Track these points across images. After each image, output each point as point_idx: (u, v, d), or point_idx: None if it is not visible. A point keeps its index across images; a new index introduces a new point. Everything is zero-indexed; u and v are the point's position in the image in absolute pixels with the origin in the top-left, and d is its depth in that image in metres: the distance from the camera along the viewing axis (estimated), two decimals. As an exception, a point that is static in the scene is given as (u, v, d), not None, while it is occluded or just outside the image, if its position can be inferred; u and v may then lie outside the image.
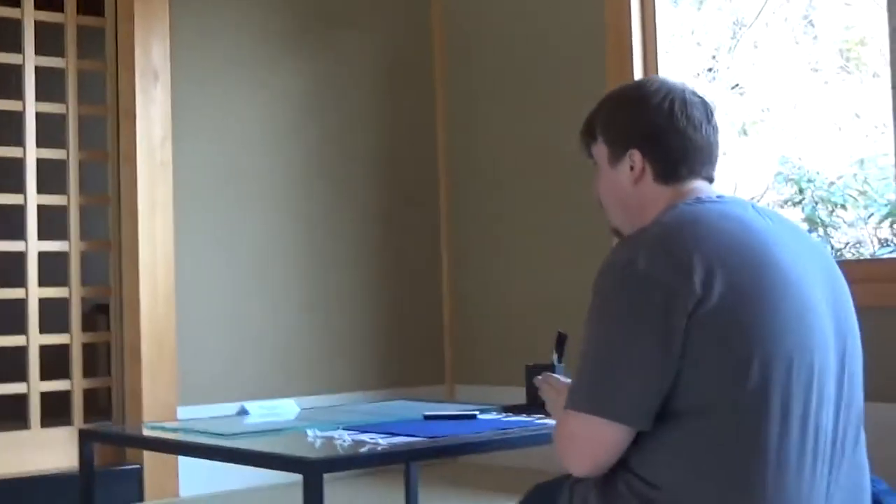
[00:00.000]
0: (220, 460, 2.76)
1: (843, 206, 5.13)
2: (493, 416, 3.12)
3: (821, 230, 5.08)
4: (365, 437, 2.77)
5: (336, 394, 5.05)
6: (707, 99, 2.19)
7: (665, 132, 2.13)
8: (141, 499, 4.57)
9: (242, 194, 4.93)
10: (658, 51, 4.73)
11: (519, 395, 4.87)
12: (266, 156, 5.00)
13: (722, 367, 1.94)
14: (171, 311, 4.67)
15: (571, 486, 2.11)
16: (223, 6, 4.94)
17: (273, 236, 5.00)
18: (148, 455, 4.55)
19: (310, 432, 2.87)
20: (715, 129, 2.17)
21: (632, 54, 4.70)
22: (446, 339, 5.40)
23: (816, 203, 5.11)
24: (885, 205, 4.84)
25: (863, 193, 5.08)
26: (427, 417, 3.08)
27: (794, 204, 5.15)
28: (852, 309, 2.12)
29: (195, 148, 4.82)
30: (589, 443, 2.01)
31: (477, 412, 3.10)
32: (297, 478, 2.38)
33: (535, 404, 3.23)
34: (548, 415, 3.08)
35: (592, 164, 2.25)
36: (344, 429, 2.93)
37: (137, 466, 4.58)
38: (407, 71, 5.46)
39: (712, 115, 2.17)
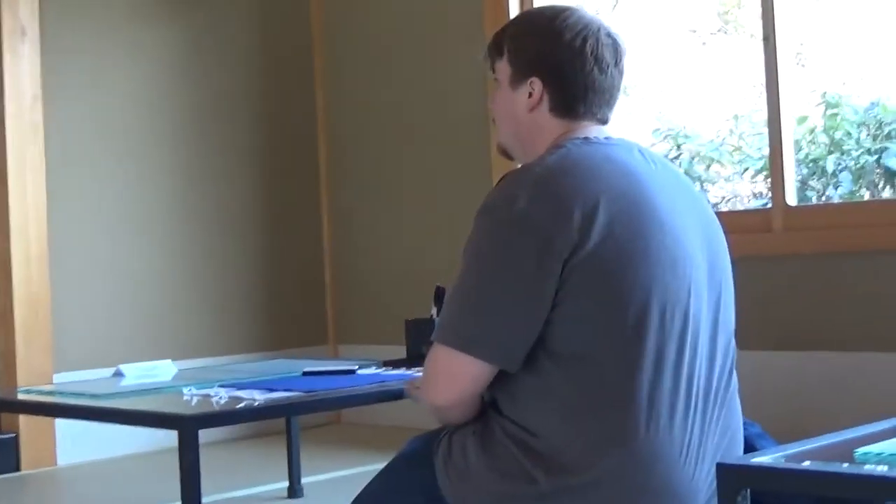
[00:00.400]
0: (93, 420, 2.72)
1: (720, 162, 5.21)
2: (372, 370, 3.11)
3: (697, 185, 5.15)
4: (242, 393, 2.75)
5: (216, 356, 4.97)
6: (620, 40, 2.16)
7: (570, 69, 2.10)
8: (17, 468, 4.47)
9: (116, 153, 4.82)
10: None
11: (403, 353, 4.89)
12: (140, 113, 4.90)
13: (595, 315, 1.95)
14: (44, 275, 4.56)
15: (449, 435, 2.11)
16: (94, -38, 4.82)
17: (148, 197, 4.90)
18: (24, 423, 4.45)
19: (186, 391, 2.84)
20: (621, 72, 2.15)
21: (508, 13, 4.68)
22: (328, 299, 5.36)
23: (693, 158, 5.18)
24: (759, 159, 4.92)
25: (738, 149, 5.16)
26: (306, 373, 3.07)
27: (672, 160, 5.20)
28: (727, 259, 2.13)
29: (67, 107, 4.70)
30: (450, 376, 2.01)
31: (356, 367, 3.09)
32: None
33: (415, 358, 3.24)
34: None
35: (494, 78, 2.22)
36: (221, 386, 2.91)
37: (13, 435, 4.48)
38: (284, 24, 5.38)
39: (622, 58, 2.15)
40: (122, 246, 4.82)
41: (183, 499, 2.36)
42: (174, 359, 4.81)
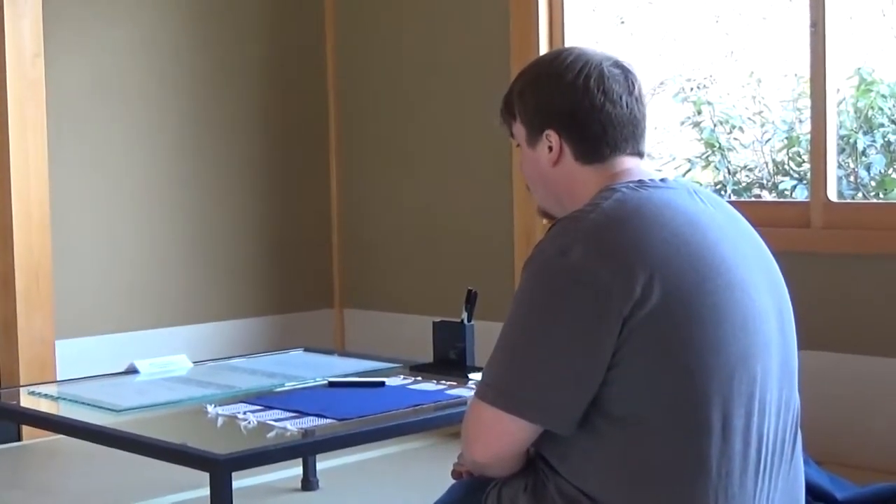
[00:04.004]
0: (115, 447, 2.58)
1: (741, 129, 5.05)
2: (400, 380, 3.00)
3: (719, 156, 5.01)
4: (269, 417, 2.62)
5: (219, 321, 4.86)
6: (631, 68, 2.02)
7: (580, 110, 1.96)
8: (18, 439, 4.35)
9: (119, 114, 4.63)
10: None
11: (408, 323, 4.79)
12: (143, 72, 4.70)
13: (659, 378, 1.81)
14: (46, 240, 4.40)
15: (499, 489, 2.00)
16: None
17: (151, 157, 4.72)
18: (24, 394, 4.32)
19: (210, 408, 2.72)
20: (638, 100, 2.00)
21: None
22: (335, 263, 5.21)
23: (715, 126, 5.03)
24: (785, 131, 4.78)
25: (759, 114, 5.01)
26: (332, 384, 2.96)
27: (694, 125, 5.06)
28: (789, 301, 2.01)
29: (69, 65, 4.50)
30: (494, 436, 1.89)
31: (384, 380, 2.96)
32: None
33: (442, 364, 3.13)
34: (457, 377, 2.99)
35: (515, 144, 2.09)
36: (244, 401, 2.79)
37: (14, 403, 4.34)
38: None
39: (635, 85, 2.00)
40: (125, 210, 4.66)
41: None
42: (175, 323, 4.74)
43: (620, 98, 1.97)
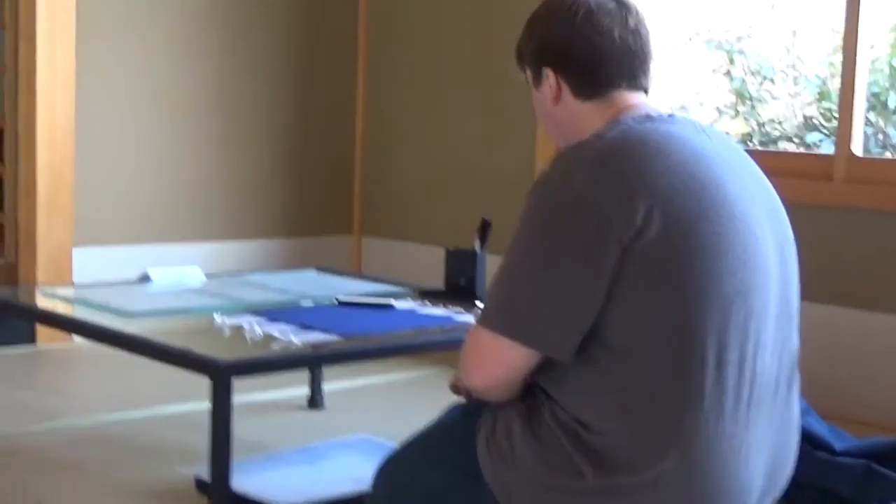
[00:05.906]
0: (120, 348, 2.61)
1: (772, 81, 5.01)
2: (409, 304, 3.00)
3: (749, 105, 4.97)
4: (275, 329, 2.63)
5: (238, 240, 4.87)
6: (628, 2, 2.03)
7: (571, 44, 2.00)
8: (32, 340, 4.39)
9: (148, 27, 4.62)
10: None
11: (426, 253, 4.80)
12: (178, -14, 4.70)
13: (656, 306, 1.82)
14: (69, 146, 4.41)
15: (494, 412, 2.01)
16: None
17: (178, 70, 4.71)
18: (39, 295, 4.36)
19: (217, 318, 2.73)
20: (635, 32, 2.01)
21: None
22: (356, 190, 5.22)
23: (746, 76, 4.98)
24: (818, 86, 4.74)
25: (792, 66, 4.96)
26: (341, 303, 2.96)
27: (724, 74, 5.01)
28: (793, 241, 2.02)
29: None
30: (492, 361, 1.91)
31: (392, 301, 2.97)
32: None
33: (453, 291, 3.14)
34: (466, 304, 3.00)
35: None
36: (252, 313, 2.80)
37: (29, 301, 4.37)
38: None
39: (630, 18, 2.01)
40: (150, 123, 4.66)
41: (212, 449, 2.26)
42: (193, 240, 4.76)
43: (612, 31, 1.99)
